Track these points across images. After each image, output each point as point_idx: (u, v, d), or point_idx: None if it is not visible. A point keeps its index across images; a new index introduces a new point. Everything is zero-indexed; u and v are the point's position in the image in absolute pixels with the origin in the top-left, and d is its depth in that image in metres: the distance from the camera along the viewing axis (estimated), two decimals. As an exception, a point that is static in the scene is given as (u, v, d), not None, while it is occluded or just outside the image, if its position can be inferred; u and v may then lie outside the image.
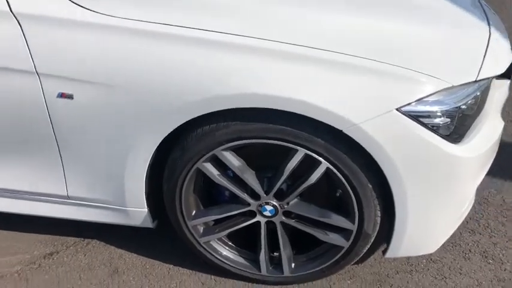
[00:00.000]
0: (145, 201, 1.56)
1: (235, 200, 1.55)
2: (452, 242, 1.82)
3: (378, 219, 1.46)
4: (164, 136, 1.38)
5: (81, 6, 1.32)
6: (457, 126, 1.35)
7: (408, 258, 1.77)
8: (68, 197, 1.61)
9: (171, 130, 1.36)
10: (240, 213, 1.55)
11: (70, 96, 1.36)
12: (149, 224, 1.64)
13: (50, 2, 1.32)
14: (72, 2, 1.31)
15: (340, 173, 1.38)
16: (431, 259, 1.77)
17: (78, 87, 1.35)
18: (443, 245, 1.57)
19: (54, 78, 1.34)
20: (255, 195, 1.50)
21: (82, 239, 1.85)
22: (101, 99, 1.35)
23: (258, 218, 1.54)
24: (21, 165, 1.57)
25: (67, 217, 1.67)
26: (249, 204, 1.52)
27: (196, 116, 1.32)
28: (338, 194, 1.51)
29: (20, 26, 1.32)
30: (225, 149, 1.40)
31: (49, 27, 1.32)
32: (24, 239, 1.85)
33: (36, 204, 1.67)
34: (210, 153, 1.41)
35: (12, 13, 1.31)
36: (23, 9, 1.32)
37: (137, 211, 1.59)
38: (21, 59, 1.33)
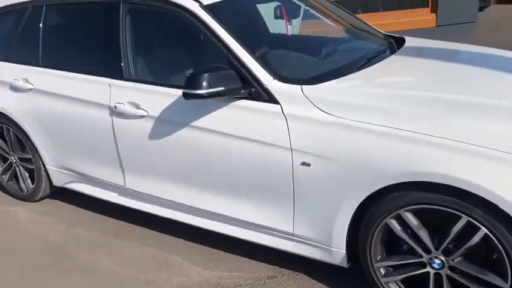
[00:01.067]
0: (345, 244, 2.22)
1: (411, 251, 2.10)
2: None
3: (529, 282, 1.84)
4: (366, 196, 2.07)
5: (323, 111, 2.16)
6: None
7: None
8: (292, 235, 2.38)
9: (371, 192, 2.04)
10: (413, 262, 2.09)
11: (308, 165, 2.18)
12: (345, 263, 2.28)
13: (306, 109, 2.20)
14: (319, 109, 2.17)
15: (496, 239, 1.85)
16: None
17: (314, 159, 2.15)
18: None
19: (301, 152, 2.18)
20: (426, 250, 2.03)
21: (293, 271, 2.57)
22: (327, 167, 2.13)
23: (428, 268, 2.06)
24: (263, 206, 2.41)
25: (287, 249, 2.43)
26: (421, 256, 2.05)
27: (391, 184, 1.98)
28: (494, 257, 1.94)
29: (286, 121, 2.22)
30: (407, 210, 2.01)
31: (304, 123, 2.18)
32: (253, 262, 2.66)
33: (265, 236, 2.48)
34: (396, 213, 2.04)
35: (284, 114, 2.23)
36: (289, 111, 2.23)
37: (338, 251, 2.26)
38: (284, 140, 2.21)
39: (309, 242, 2.34)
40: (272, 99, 2.28)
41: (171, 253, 2.82)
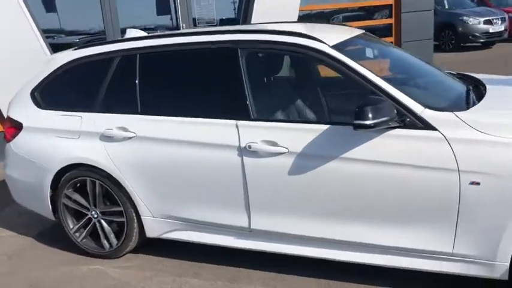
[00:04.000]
0: (510, 257, 2.36)
1: None
2: None
3: None
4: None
5: (484, 133, 2.34)
6: None
7: None
8: (451, 254, 2.48)
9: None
10: None
11: (478, 184, 2.33)
12: (506, 276, 2.41)
13: (468, 132, 2.36)
14: (480, 131, 2.34)
15: None
16: None
17: (483, 177, 2.32)
18: None
19: (469, 172, 2.34)
20: None
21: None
22: (497, 184, 2.29)
23: None
24: (421, 230, 2.49)
25: (446, 271, 2.51)
26: None
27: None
28: None
29: (450, 145, 2.38)
30: None
31: (469, 144, 2.35)
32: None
33: (420, 260, 2.55)
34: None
35: (446, 139, 2.39)
36: (452, 136, 2.39)
37: (502, 265, 2.39)
38: (450, 162, 2.36)
39: (468, 259, 2.45)
40: (428, 126, 2.44)
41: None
